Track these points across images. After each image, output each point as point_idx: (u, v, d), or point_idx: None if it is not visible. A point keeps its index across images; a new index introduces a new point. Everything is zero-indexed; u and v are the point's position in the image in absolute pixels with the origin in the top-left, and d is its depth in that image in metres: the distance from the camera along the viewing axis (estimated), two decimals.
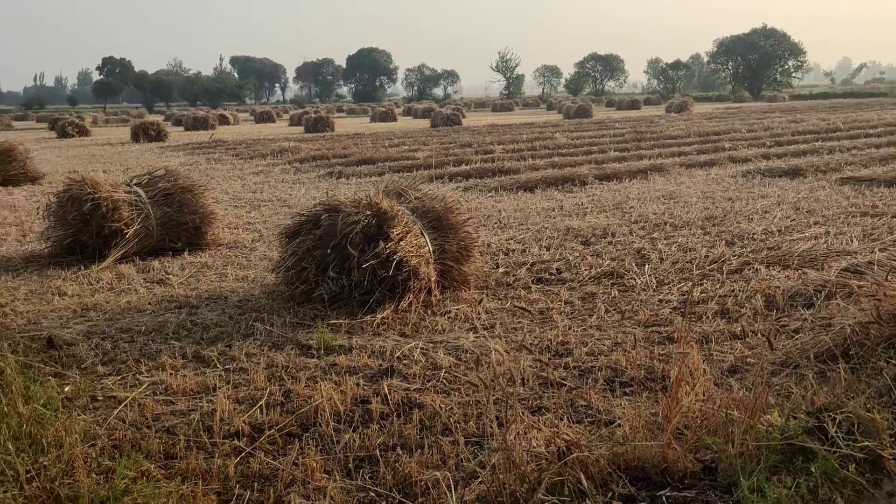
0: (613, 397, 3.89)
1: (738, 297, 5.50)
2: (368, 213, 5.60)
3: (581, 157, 16.06)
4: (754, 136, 19.96)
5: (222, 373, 4.43)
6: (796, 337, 4.65)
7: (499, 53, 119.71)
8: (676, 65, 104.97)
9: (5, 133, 36.35)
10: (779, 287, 5.65)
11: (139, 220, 7.44)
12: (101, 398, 4.12)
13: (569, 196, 10.93)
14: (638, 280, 6.10)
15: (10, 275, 7.04)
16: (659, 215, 8.92)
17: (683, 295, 5.65)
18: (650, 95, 73.98)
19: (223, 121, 42.46)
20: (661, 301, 5.55)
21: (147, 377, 4.38)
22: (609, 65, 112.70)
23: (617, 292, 5.81)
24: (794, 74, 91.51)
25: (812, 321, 4.92)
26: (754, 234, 7.66)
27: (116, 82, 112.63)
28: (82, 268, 7.13)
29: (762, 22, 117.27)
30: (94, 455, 3.33)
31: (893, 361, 3.81)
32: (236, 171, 15.87)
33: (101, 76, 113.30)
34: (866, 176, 11.36)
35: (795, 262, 6.46)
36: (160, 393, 4.16)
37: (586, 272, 6.40)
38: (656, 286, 5.94)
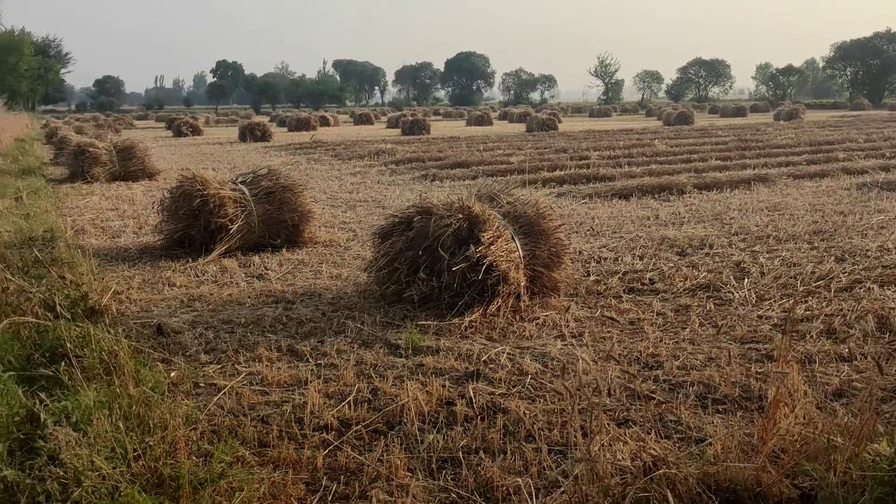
0: (705, 414, 3.77)
1: (847, 317, 5.22)
2: (460, 216, 5.64)
3: (680, 165, 15.63)
4: (872, 147, 18.89)
5: (314, 367, 4.57)
6: None
7: (598, 58, 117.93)
8: (788, 70, 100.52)
9: (127, 131, 38.70)
10: (893, 308, 5.33)
11: (243, 216, 7.77)
12: (202, 385, 4.33)
13: (665, 205, 10.66)
14: (736, 294, 5.89)
15: (126, 264, 7.49)
16: (762, 227, 8.57)
17: (785, 311, 5.42)
18: (758, 102, 71.20)
19: (324, 122, 43.66)
20: (760, 317, 5.33)
21: (244, 367, 4.57)
22: (714, 70, 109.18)
23: (713, 306, 5.63)
24: None
25: None
26: (868, 250, 7.25)
27: (228, 84, 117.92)
28: (190, 260, 7.50)
29: (886, 26, 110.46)
30: (195, 438, 3.51)
31: None
32: (334, 172, 16.30)
33: (214, 79, 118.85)
34: None
35: None
36: (256, 383, 4.33)
37: (681, 284, 6.23)
38: (755, 301, 5.72)
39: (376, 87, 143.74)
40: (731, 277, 6.34)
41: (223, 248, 7.61)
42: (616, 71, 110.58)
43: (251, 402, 4.06)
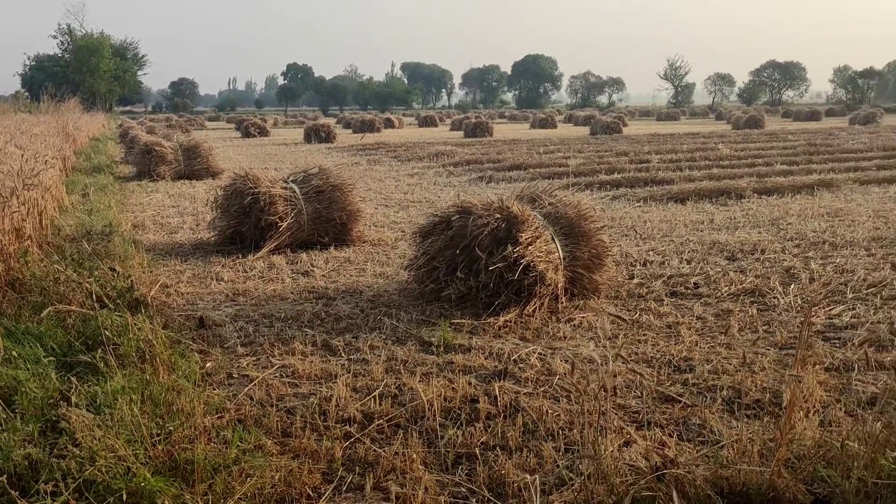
0: (731, 419, 3.69)
1: (894, 326, 5.02)
2: (498, 216, 5.65)
3: (742, 169, 15.22)
4: None
5: (346, 362, 4.66)
6: None
7: (668, 61, 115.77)
8: (868, 73, 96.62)
9: (198, 132, 39.92)
10: None
11: (292, 214, 7.95)
12: (235, 375, 4.47)
13: (722, 209, 10.40)
14: (781, 300, 5.72)
15: (179, 259, 7.76)
16: (819, 233, 8.29)
17: (831, 318, 5.24)
18: (834, 106, 68.59)
19: (388, 124, 44.16)
20: (802, 323, 5.16)
21: (278, 360, 4.69)
22: (788, 73, 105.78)
23: (755, 311, 5.48)
24: None
25: None
26: None
27: (298, 87, 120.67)
28: (240, 256, 7.72)
29: None
30: (221, 426, 3.63)
31: None
32: (392, 172, 16.49)
33: (285, 81, 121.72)
34: None
35: None
36: (287, 376, 4.45)
37: (725, 288, 6.09)
38: (800, 307, 5.54)
39: (443, 90, 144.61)
40: (778, 283, 6.16)
41: (273, 245, 7.80)
42: (686, 74, 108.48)
43: (280, 393, 4.17)
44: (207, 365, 4.53)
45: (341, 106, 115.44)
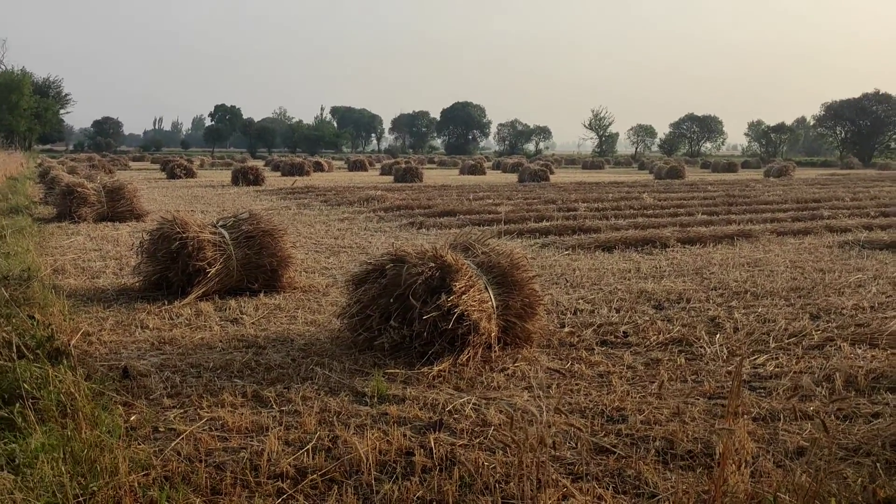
0: (665, 470, 3.74)
1: (816, 375, 5.22)
2: (432, 264, 5.66)
3: (666, 218, 15.76)
4: (858, 206, 19.10)
5: (277, 414, 4.53)
6: (873, 422, 4.36)
7: (592, 111, 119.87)
8: (780, 128, 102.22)
9: (122, 172, 38.93)
10: (861, 367, 5.34)
11: (221, 260, 7.77)
12: (162, 429, 4.28)
13: (648, 258, 10.72)
14: (708, 349, 5.89)
15: (101, 305, 7.45)
16: (740, 283, 8.62)
17: (755, 367, 5.42)
18: (749, 159, 72.18)
19: (318, 167, 44.00)
20: (729, 373, 5.32)
21: (207, 412, 4.52)
22: (706, 126, 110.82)
23: (683, 360, 5.63)
24: None
25: (894, 407, 4.62)
26: (843, 308, 7.28)
27: (225, 128, 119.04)
28: (166, 303, 7.47)
29: (874, 87, 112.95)
30: (147, 484, 3.46)
31: None
32: (322, 217, 16.38)
33: (213, 122, 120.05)
34: None
35: (885, 341, 6.10)
36: (216, 429, 4.29)
37: (654, 337, 6.23)
38: (726, 357, 5.72)
39: (373, 135, 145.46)
40: (704, 332, 6.35)
41: (200, 292, 7.59)
42: (610, 124, 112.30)
43: (209, 447, 4.01)
44: (132, 418, 4.34)
45: (270, 148, 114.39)
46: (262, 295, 7.91)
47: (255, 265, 7.99)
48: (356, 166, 49.22)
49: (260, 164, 44.30)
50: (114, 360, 5.58)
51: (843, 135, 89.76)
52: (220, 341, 6.16)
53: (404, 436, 4.15)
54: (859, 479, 3.14)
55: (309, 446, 3.99)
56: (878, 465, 3.52)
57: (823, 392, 4.88)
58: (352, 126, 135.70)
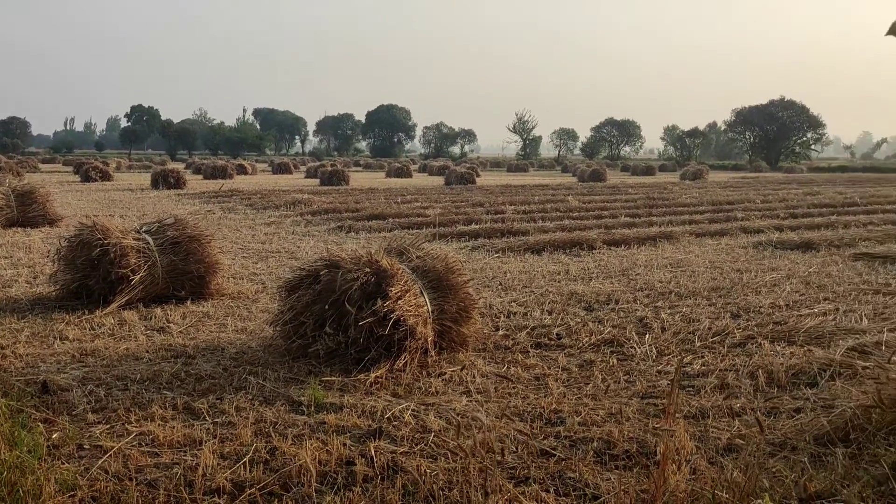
0: (603, 471, 3.80)
1: (739, 373, 5.43)
2: (368, 270, 5.61)
3: (591, 221, 16.12)
4: (768, 207, 19.98)
5: (210, 426, 4.39)
6: (796, 417, 4.56)
7: (516, 115, 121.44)
8: (693, 132, 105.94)
9: (31, 175, 37.03)
10: (782, 364, 5.57)
11: (146, 267, 7.50)
12: (87, 447, 4.08)
13: (576, 260, 10.93)
14: (638, 349, 6.04)
15: (15, 316, 7.07)
16: (665, 284, 8.88)
17: (683, 367, 5.58)
18: (666, 162, 74.58)
19: (241, 171, 43.09)
20: (659, 372, 5.48)
21: (135, 427, 4.34)
22: (625, 130, 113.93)
23: (616, 361, 5.75)
24: (812, 147, 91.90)
25: (814, 401, 4.84)
26: (761, 307, 7.59)
27: (143, 129, 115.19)
28: (86, 312, 7.15)
29: (780, 94, 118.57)
30: None
31: (893, 448, 3.72)
32: (248, 221, 16.04)
33: (129, 123, 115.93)
34: (881, 253, 11.29)
35: (801, 338, 6.39)
36: (146, 444, 4.12)
37: (586, 339, 6.35)
38: (656, 356, 5.88)
39: (297, 137, 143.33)
40: (634, 333, 6.51)
41: (123, 300, 7.30)
42: (534, 128, 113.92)
43: (139, 464, 3.85)
44: (54, 436, 4.12)
45: (190, 150, 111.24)
46: (189, 302, 7.67)
47: (182, 272, 7.74)
48: (281, 169, 48.45)
49: (181, 166, 43.08)
50: (31, 374, 5.30)
51: (751, 139, 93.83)
52: (147, 351, 5.93)
53: (344, 445, 4.09)
54: (791, 475, 3.27)
55: (246, 459, 3.88)
56: (805, 459, 3.67)
57: (748, 389, 5.07)
58: (275, 128, 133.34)
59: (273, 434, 4.27)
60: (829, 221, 16.21)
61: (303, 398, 4.84)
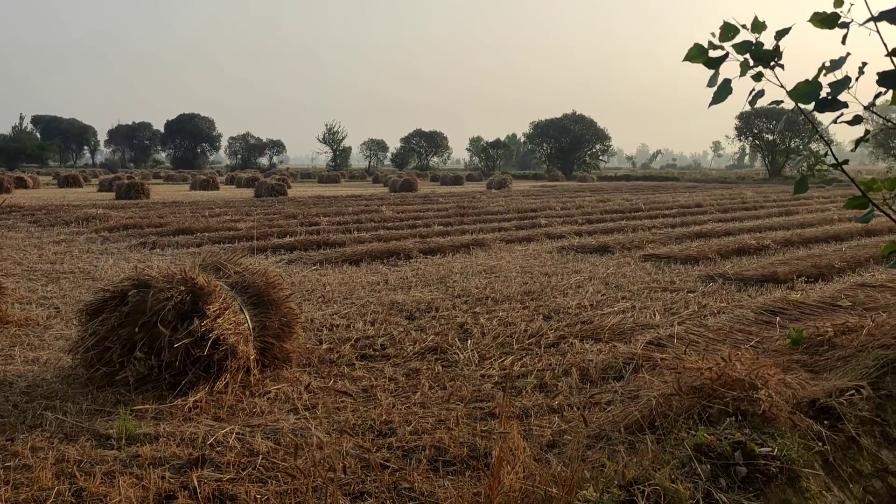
0: (437, 478, 3.83)
1: (556, 371, 5.72)
2: (182, 288, 5.27)
3: (406, 230, 16.34)
4: (567, 214, 21.36)
5: (1, 472, 3.89)
6: (608, 409, 4.87)
7: (326, 125, 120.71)
8: (496, 144, 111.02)
9: None
10: (592, 360, 5.94)
11: None
12: None
13: (394, 270, 11.01)
14: (461, 355, 6.18)
15: None
16: (481, 290, 9.18)
17: (504, 370, 5.79)
18: (472, 172, 77.47)
19: (20, 184, 39.10)
20: (483, 376, 5.63)
21: None
22: (433, 141, 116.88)
23: (441, 368, 5.84)
24: (600, 157, 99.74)
25: (622, 393, 5.19)
26: (569, 308, 8.06)
27: None
28: None
29: (572, 108, 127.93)
30: None
31: (693, 432, 4.08)
32: (33, 240, 14.53)
33: None
34: (665, 253, 12.46)
35: (606, 335, 6.86)
36: None
37: (411, 347, 6.40)
38: (479, 361, 6.05)
39: (86, 148, 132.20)
40: (457, 339, 6.66)
41: None
42: (344, 139, 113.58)
43: None
44: None
45: None
46: None
47: None
48: (69, 182, 44.40)
49: None
50: None
51: (548, 150, 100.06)
52: None
53: (163, 478, 3.79)
54: (611, 464, 3.48)
55: None
56: (621, 448, 3.93)
57: (564, 387, 5.36)
58: (59, 138, 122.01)
59: (78, 474, 3.86)
60: (620, 226, 17.64)
61: (111, 431, 4.43)
